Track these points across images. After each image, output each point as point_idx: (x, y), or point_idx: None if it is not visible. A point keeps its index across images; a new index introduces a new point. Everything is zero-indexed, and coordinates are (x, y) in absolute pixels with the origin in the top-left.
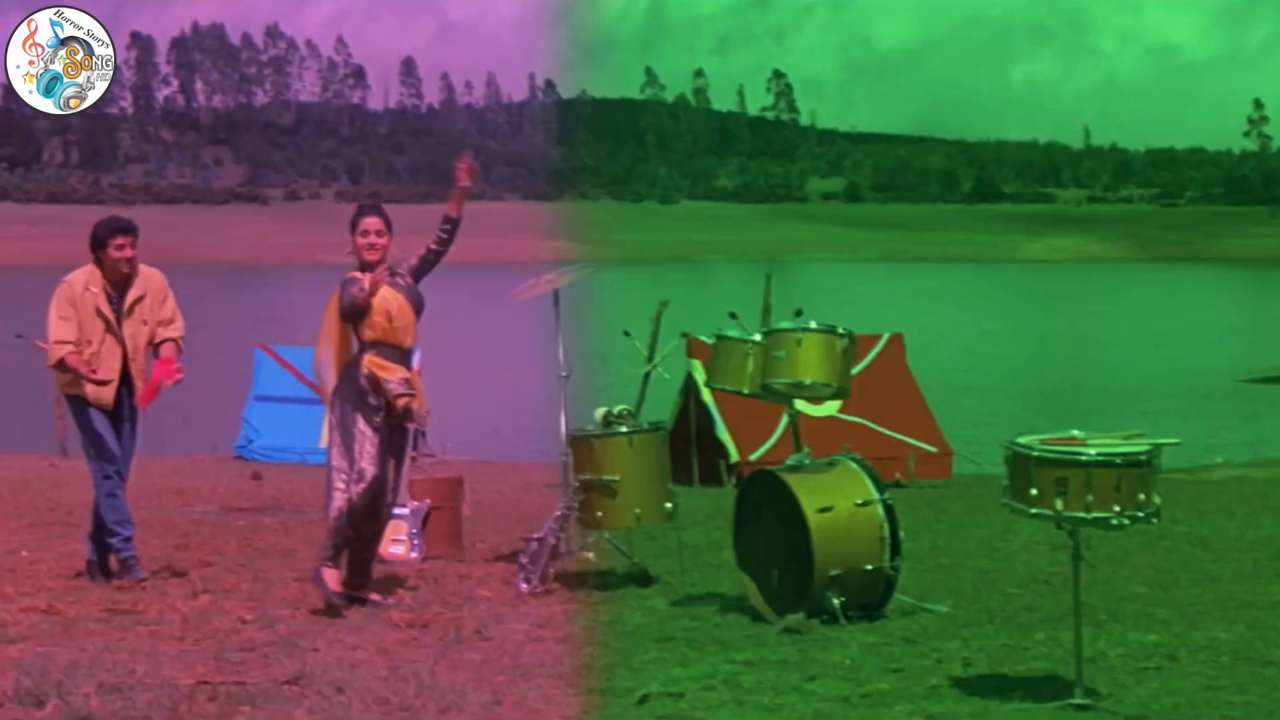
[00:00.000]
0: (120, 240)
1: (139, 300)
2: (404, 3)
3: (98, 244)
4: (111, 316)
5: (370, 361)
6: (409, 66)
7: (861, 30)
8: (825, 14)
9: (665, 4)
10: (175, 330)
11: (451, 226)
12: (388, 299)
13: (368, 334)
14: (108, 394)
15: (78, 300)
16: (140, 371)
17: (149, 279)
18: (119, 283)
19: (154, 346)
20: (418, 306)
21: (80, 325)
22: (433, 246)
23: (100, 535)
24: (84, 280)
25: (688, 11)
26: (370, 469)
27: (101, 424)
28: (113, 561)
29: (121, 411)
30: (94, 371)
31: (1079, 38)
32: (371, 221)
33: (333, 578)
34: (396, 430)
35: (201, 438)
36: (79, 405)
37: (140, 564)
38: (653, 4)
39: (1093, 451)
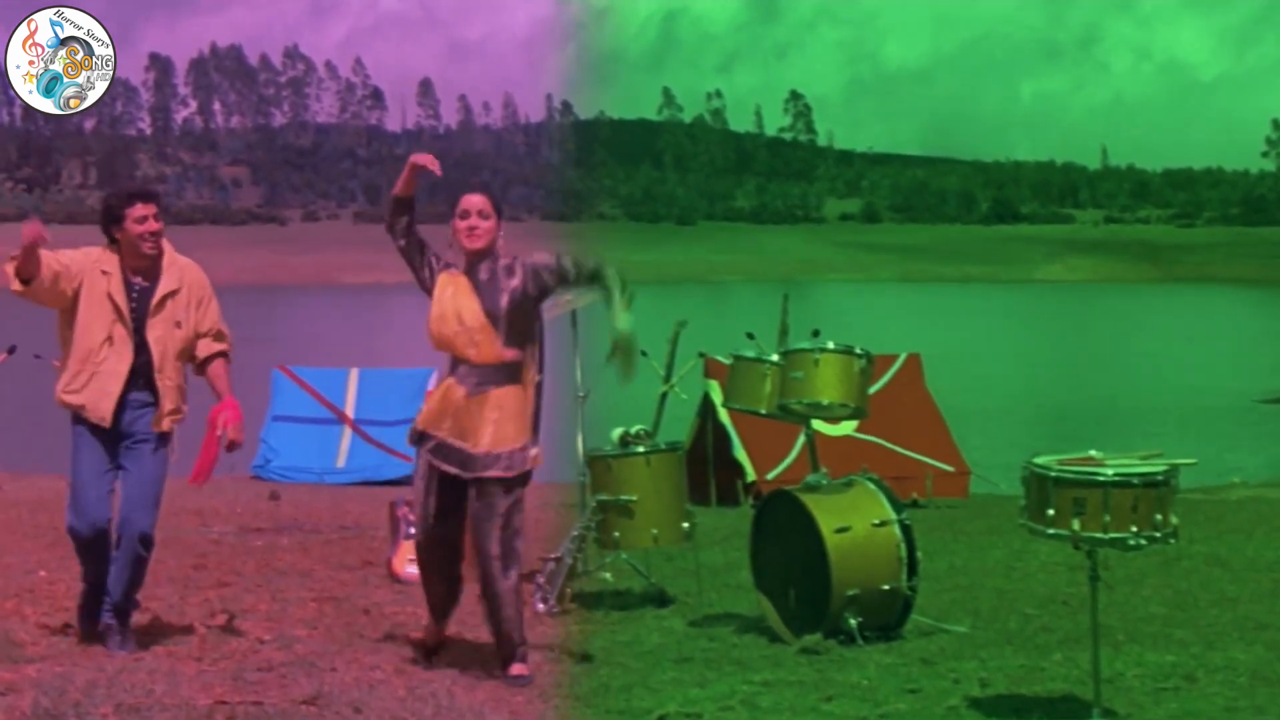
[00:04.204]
0: (140, 209)
1: (171, 295)
2: (422, 24)
3: (112, 218)
4: (126, 307)
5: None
6: (426, 88)
7: (870, 48)
8: (834, 32)
9: (677, 22)
10: (223, 344)
11: (571, 276)
12: (459, 297)
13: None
14: (106, 405)
15: (85, 272)
16: (170, 388)
17: (185, 271)
18: (144, 270)
19: (199, 366)
20: (496, 315)
21: (83, 316)
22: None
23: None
24: (99, 256)
25: (700, 29)
26: (423, 516)
27: (90, 464)
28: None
29: (141, 448)
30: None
31: (1089, 54)
32: (473, 200)
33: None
34: (475, 486)
35: (219, 458)
36: (78, 432)
37: (121, 637)
38: (664, 22)
39: (1110, 472)
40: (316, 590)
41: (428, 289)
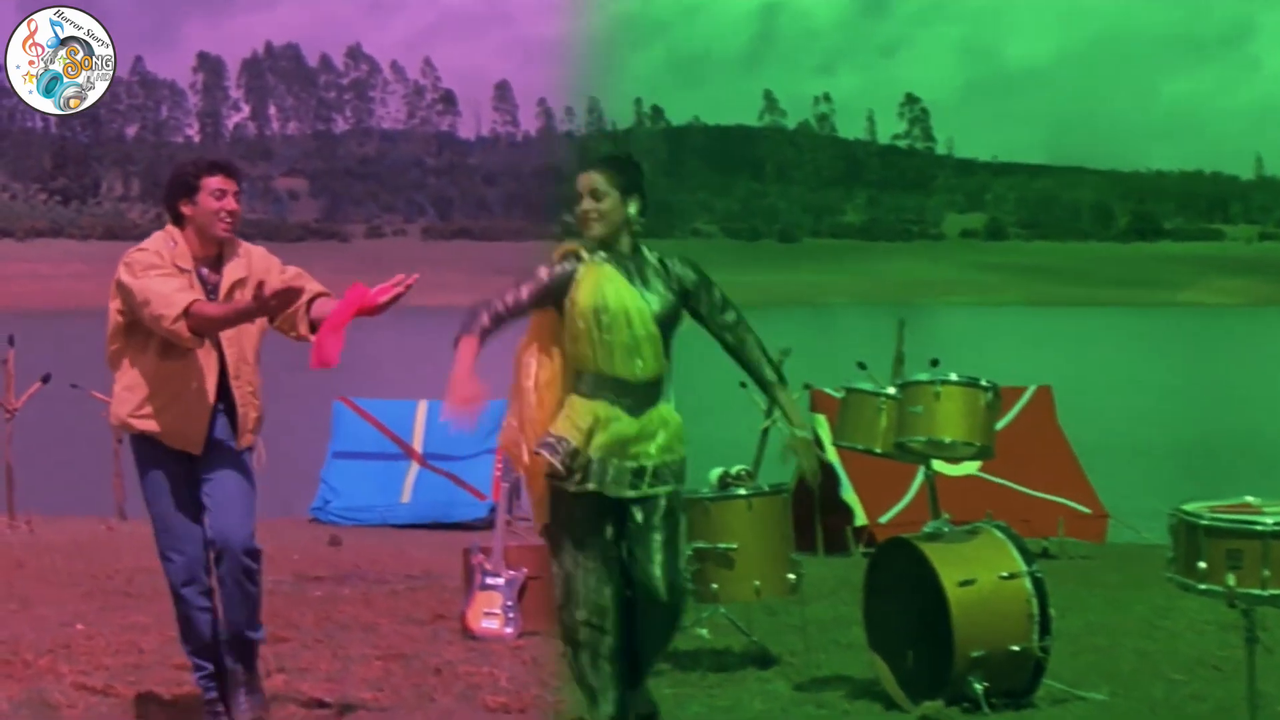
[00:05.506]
0: (220, 181)
1: (239, 284)
2: (497, 22)
3: (184, 190)
4: None
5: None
6: (503, 91)
7: (989, 45)
8: (947, 28)
9: (776, 18)
10: (315, 285)
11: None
12: (622, 294)
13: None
14: (197, 432)
15: (166, 270)
16: (247, 394)
17: (250, 255)
18: (209, 258)
19: (308, 321)
20: (663, 321)
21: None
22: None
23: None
24: (171, 251)
25: (801, 25)
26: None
27: (174, 491)
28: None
29: (221, 454)
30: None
31: (1238, 50)
32: (583, 180)
33: None
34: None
35: (274, 498)
36: (148, 459)
37: (249, 688)
38: (762, 18)
39: (1270, 520)
40: (382, 647)
41: (557, 296)
